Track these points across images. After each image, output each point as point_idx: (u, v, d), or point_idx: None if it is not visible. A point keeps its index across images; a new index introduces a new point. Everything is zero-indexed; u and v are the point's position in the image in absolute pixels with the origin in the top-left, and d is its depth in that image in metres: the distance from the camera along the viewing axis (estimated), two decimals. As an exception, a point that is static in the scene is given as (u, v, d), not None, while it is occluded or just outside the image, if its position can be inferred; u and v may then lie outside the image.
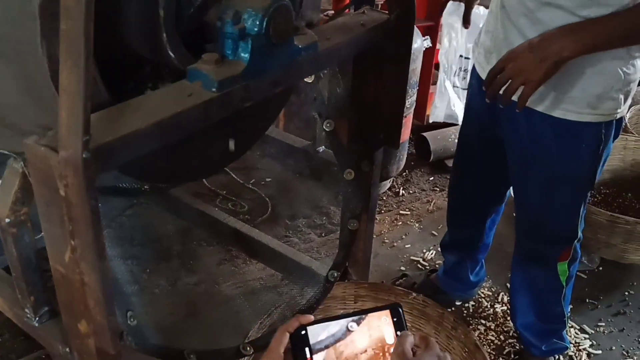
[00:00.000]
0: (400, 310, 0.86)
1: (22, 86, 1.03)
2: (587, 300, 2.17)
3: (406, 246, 2.40)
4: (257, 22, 1.01)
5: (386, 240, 2.42)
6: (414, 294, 1.58)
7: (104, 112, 0.91)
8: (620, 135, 1.52)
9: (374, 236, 2.41)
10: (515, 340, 1.98)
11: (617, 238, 2.19)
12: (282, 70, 1.11)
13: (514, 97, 1.31)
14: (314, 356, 0.81)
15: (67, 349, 1.08)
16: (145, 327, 1.13)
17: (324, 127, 1.57)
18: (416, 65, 2.45)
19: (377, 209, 2.62)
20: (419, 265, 2.31)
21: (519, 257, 1.77)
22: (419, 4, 2.81)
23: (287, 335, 0.81)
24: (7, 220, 1.03)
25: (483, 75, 1.49)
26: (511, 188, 1.79)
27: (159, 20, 1.08)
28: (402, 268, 2.28)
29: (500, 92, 1.32)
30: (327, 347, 0.82)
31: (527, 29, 1.35)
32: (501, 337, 2.01)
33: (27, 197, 1.03)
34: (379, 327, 0.85)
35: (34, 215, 1.00)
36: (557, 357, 1.90)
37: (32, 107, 1.05)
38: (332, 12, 3.04)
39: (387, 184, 2.76)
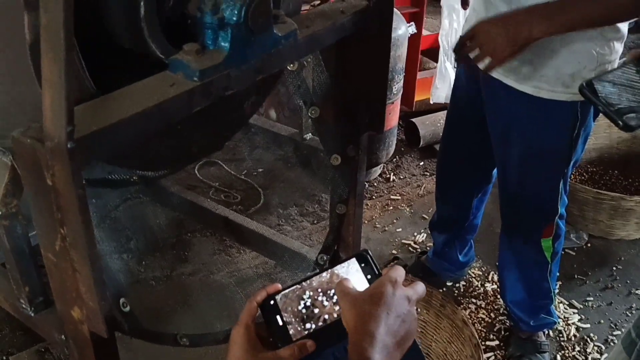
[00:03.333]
0: (367, 255, 0.84)
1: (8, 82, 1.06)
2: (576, 277, 2.21)
3: (397, 230, 2.43)
4: (236, 12, 1.04)
5: (378, 225, 2.45)
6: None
7: (89, 103, 0.94)
8: None
9: (366, 221, 2.46)
10: (505, 317, 2.02)
11: (604, 214, 2.23)
12: (263, 59, 1.14)
13: (480, 65, 1.36)
14: (287, 321, 0.79)
15: (63, 337, 1.11)
16: (140, 315, 1.16)
17: (309, 114, 1.60)
18: (401, 52, 2.47)
19: (369, 195, 2.66)
20: (410, 248, 2.34)
21: (504, 234, 1.81)
22: (403, -9, 2.87)
23: (255, 305, 0.79)
24: (-1, 212, 1.06)
25: None
26: None
27: (139, 13, 1.10)
28: (394, 251, 2.32)
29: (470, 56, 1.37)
30: (299, 310, 0.81)
31: (504, 8, 1.38)
32: (492, 314, 2.05)
33: (17, 189, 1.05)
34: (348, 275, 0.83)
35: (28, 210, 1.03)
36: (546, 331, 1.94)
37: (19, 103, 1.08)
38: (318, 2, 3.07)
39: (378, 170, 2.80)
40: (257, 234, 1.91)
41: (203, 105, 1.06)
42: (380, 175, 2.80)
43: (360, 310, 0.73)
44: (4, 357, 1.78)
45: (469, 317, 2.03)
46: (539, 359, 1.88)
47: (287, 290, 0.81)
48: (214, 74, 1.04)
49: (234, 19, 1.04)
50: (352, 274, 0.83)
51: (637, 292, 2.15)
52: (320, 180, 2.44)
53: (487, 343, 1.95)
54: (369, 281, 0.82)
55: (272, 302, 0.80)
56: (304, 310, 0.81)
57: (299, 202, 2.56)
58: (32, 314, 1.17)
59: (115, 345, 1.04)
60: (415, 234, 2.42)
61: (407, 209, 2.56)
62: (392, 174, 2.81)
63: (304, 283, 0.82)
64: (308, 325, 0.80)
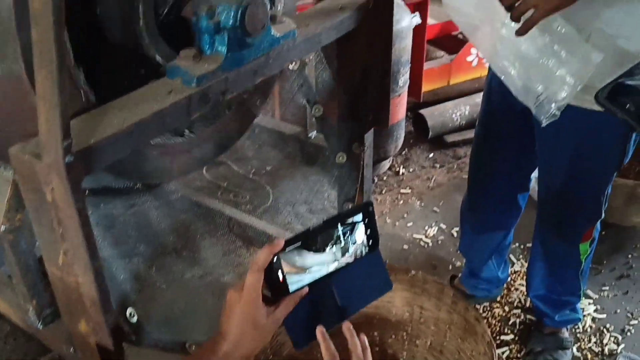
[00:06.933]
0: (370, 208, 0.90)
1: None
2: (591, 266, 2.17)
3: (408, 225, 2.41)
4: (231, 15, 1.02)
5: (388, 220, 2.43)
6: (413, 271, 1.59)
7: (86, 115, 0.93)
8: None
9: (376, 217, 2.44)
10: (520, 310, 2.00)
11: (618, 201, 2.19)
12: (262, 60, 1.12)
13: (521, 21, 1.21)
14: (287, 276, 0.82)
15: (72, 349, 1.11)
16: (149, 323, 1.16)
17: (313, 112, 1.58)
18: (406, 43, 2.44)
19: (378, 189, 2.64)
20: (421, 242, 2.32)
21: (541, 233, 1.74)
22: (407, -19, 2.83)
23: (262, 275, 0.81)
24: (3, 227, 1.05)
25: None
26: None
27: (138, 19, 1.09)
28: (405, 247, 2.30)
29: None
30: (300, 265, 0.84)
31: None
32: (506, 308, 2.02)
33: (20, 204, 1.05)
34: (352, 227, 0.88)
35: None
36: (569, 327, 1.90)
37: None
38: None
39: (387, 163, 2.77)
40: (267, 234, 1.90)
41: (202, 111, 1.05)
42: (389, 168, 2.77)
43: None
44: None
45: (483, 311, 2.01)
46: (560, 355, 1.84)
47: (290, 248, 0.83)
48: (212, 79, 1.03)
49: (230, 22, 1.03)
50: (354, 229, 0.88)
51: (653, 279, 2.12)
52: (329, 177, 2.42)
53: (502, 337, 1.93)
54: (368, 236, 0.90)
55: (275, 259, 0.82)
56: (303, 264, 0.84)
57: (308, 199, 2.54)
58: (40, 327, 1.17)
59: (123, 356, 1.04)
60: (427, 227, 2.39)
61: (418, 203, 2.54)
62: (401, 166, 2.79)
63: (307, 235, 0.85)
64: (306, 277, 0.85)
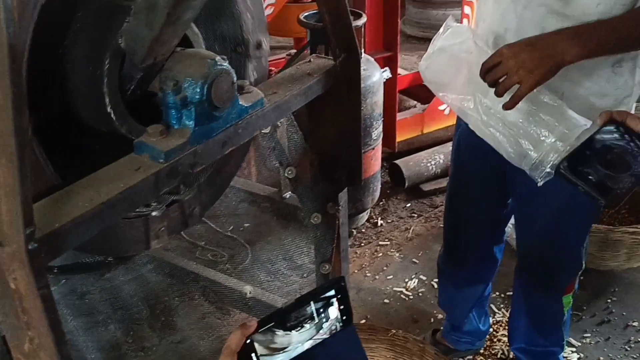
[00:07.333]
0: (342, 283, 0.87)
1: None
2: (572, 312, 2.18)
3: (388, 277, 2.40)
4: (198, 90, 1.03)
5: (368, 274, 2.42)
6: (394, 330, 1.58)
7: (51, 197, 0.92)
8: None
9: (356, 270, 2.43)
10: (504, 362, 1.98)
11: (593, 247, 2.21)
12: (231, 131, 1.13)
13: (505, 95, 1.23)
14: (262, 358, 0.80)
15: None
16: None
17: (286, 174, 1.58)
18: (378, 98, 2.48)
19: (357, 242, 2.63)
20: (402, 295, 2.31)
21: (522, 288, 1.73)
22: (375, 37, 2.91)
23: (235, 358, 0.78)
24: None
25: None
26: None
27: (103, 97, 1.10)
28: (386, 300, 2.28)
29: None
30: (274, 345, 0.82)
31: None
32: (489, 360, 2.01)
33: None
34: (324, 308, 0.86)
35: None
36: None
37: None
38: (294, 51, 3.10)
39: (365, 215, 2.78)
40: (245, 295, 1.88)
41: (171, 186, 1.04)
42: (367, 220, 2.78)
43: None
44: None
45: (466, 364, 1.99)
46: None
47: (263, 329, 0.81)
48: (180, 153, 1.03)
49: (197, 97, 1.03)
50: (328, 305, 0.86)
51: (634, 324, 2.12)
52: (304, 236, 2.42)
53: (488, 390, 1.91)
54: (342, 311, 0.87)
55: (247, 341, 0.80)
56: (278, 344, 0.82)
57: (287, 255, 2.52)
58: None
59: None
60: (407, 280, 2.38)
61: (397, 254, 2.53)
62: (379, 218, 2.79)
63: (280, 315, 0.83)
64: (280, 357, 0.82)
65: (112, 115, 1.11)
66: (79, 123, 1.15)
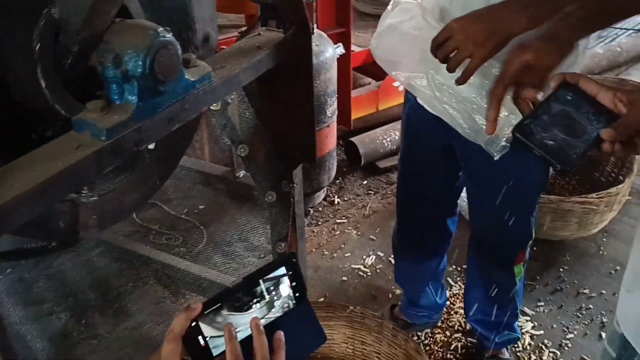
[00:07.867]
0: (294, 259, 0.85)
1: None
2: (526, 282, 2.22)
3: (346, 255, 2.39)
4: (140, 63, 0.98)
5: (325, 252, 2.41)
6: (352, 307, 1.57)
7: (-16, 178, 0.86)
8: None
9: (314, 249, 2.41)
10: (461, 334, 2.01)
11: (545, 217, 2.25)
12: (177, 107, 1.08)
13: (458, 70, 1.19)
14: (209, 341, 0.78)
15: None
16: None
17: (239, 152, 1.54)
18: (331, 74, 2.45)
19: (315, 221, 2.62)
20: (360, 272, 2.31)
21: (475, 261, 1.76)
22: (328, 13, 2.87)
23: (179, 343, 0.75)
24: None
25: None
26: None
27: (37, 72, 1.03)
28: (344, 278, 2.28)
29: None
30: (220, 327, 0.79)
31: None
32: (447, 332, 2.03)
33: None
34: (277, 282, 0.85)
35: None
36: (509, 348, 1.92)
37: None
38: (245, 28, 3.03)
39: (322, 194, 2.76)
40: (201, 277, 1.84)
41: (114, 165, 0.99)
42: (324, 199, 2.76)
43: None
44: None
45: (425, 337, 2.01)
46: None
47: (208, 310, 0.78)
48: (123, 131, 0.98)
49: (139, 70, 0.98)
50: (279, 283, 0.84)
51: (584, 291, 2.18)
52: (260, 215, 2.39)
53: (446, 362, 1.93)
54: (294, 288, 0.85)
55: (193, 323, 0.77)
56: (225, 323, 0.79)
57: (243, 236, 2.49)
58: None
59: None
60: (364, 257, 2.38)
61: (354, 232, 2.53)
62: (336, 196, 2.78)
63: (227, 295, 0.81)
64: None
65: (47, 92, 1.05)
66: (14, 103, 1.08)
